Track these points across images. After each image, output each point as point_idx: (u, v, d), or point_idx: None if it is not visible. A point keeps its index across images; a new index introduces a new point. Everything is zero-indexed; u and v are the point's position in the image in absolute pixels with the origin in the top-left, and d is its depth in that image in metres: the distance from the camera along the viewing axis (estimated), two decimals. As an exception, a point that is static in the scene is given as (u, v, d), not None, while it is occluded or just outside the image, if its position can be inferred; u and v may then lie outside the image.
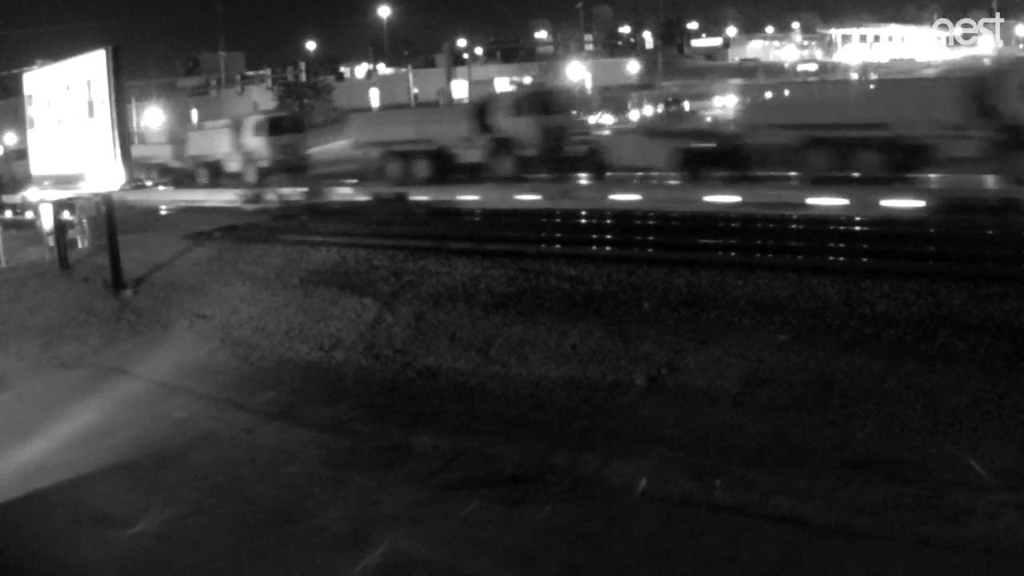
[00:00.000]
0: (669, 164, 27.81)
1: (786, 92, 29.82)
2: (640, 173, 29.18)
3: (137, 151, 40.60)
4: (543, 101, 32.52)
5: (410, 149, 32.57)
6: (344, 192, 31.17)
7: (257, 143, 37.02)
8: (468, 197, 28.03)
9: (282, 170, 35.33)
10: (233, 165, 37.62)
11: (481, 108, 32.24)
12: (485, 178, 30.78)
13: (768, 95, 29.70)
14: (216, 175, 38.14)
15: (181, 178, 39.89)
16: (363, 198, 29.54)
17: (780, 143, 25.34)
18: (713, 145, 27.90)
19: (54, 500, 11.24)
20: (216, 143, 38.56)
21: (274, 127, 37.78)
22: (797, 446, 11.07)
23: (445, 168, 31.87)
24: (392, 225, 24.78)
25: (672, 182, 27.49)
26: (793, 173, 25.68)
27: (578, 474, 10.87)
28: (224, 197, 33.13)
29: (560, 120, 31.98)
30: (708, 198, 23.93)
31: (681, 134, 30.68)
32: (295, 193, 30.20)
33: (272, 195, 30.70)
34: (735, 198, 23.43)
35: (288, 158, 36.61)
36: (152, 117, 63.20)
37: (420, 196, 28.13)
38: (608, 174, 29.35)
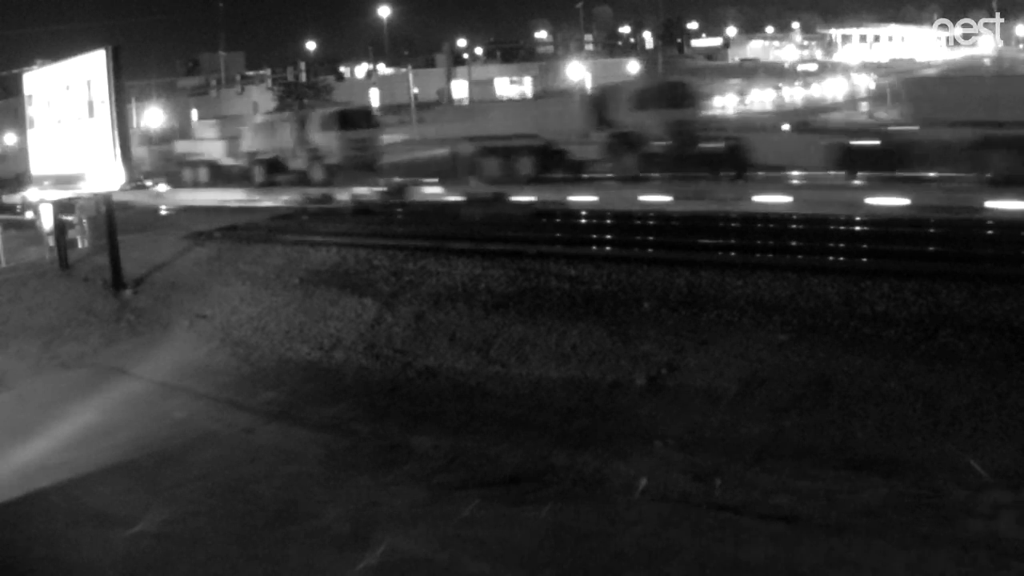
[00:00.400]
0: (824, 163, 25.14)
1: (967, 86, 27.20)
2: (796, 172, 26.40)
3: (182, 147, 39.57)
4: (672, 93, 29.32)
5: (510, 145, 29.33)
6: (430, 192, 28.73)
7: (326, 138, 33.61)
8: (582, 198, 25.32)
9: (353, 168, 32.70)
10: (297, 162, 34.38)
11: (599, 100, 29.22)
12: (597, 177, 28.17)
13: (945, 89, 27.04)
14: (273, 173, 34.98)
15: (226, 176, 36.53)
16: (453, 198, 27.36)
17: (954, 140, 22.65)
18: (876, 142, 25.11)
19: (54, 500, 11.24)
20: (276, 138, 35.26)
21: (345, 121, 34.46)
22: (797, 446, 11.06)
23: (550, 166, 29.08)
24: (393, 225, 24.81)
25: (827, 182, 24.73)
26: (965, 174, 22.85)
27: (578, 474, 10.86)
28: (282, 197, 31.02)
29: (690, 114, 28.73)
30: (872, 200, 21.43)
31: (837, 131, 28.21)
32: (371, 193, 28.32)
33: (344, 195, 28.61)
34: (902, 200, 20.92)
35: (360, 155, 33.62)
36: (152, 116, 63.16)
37: (522, 196, 25.79)
38: (752, 173, 26.37)
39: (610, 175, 27.83)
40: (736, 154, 26.47)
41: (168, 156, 39.48)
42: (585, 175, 28.47)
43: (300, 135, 34.28)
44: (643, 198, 24.43)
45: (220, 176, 36.68)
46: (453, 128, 33.31)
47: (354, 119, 35.32)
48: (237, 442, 12.89)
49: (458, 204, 26.76)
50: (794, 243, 19.10)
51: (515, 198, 25.75)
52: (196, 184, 36.65)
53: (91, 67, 20.43)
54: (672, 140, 27.07)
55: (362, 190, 28.81)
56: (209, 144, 38.65)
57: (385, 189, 28.53)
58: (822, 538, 9.00)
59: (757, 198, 22.66)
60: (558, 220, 24.05)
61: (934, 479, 9.89)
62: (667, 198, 23.99)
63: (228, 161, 36.94)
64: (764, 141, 28.56)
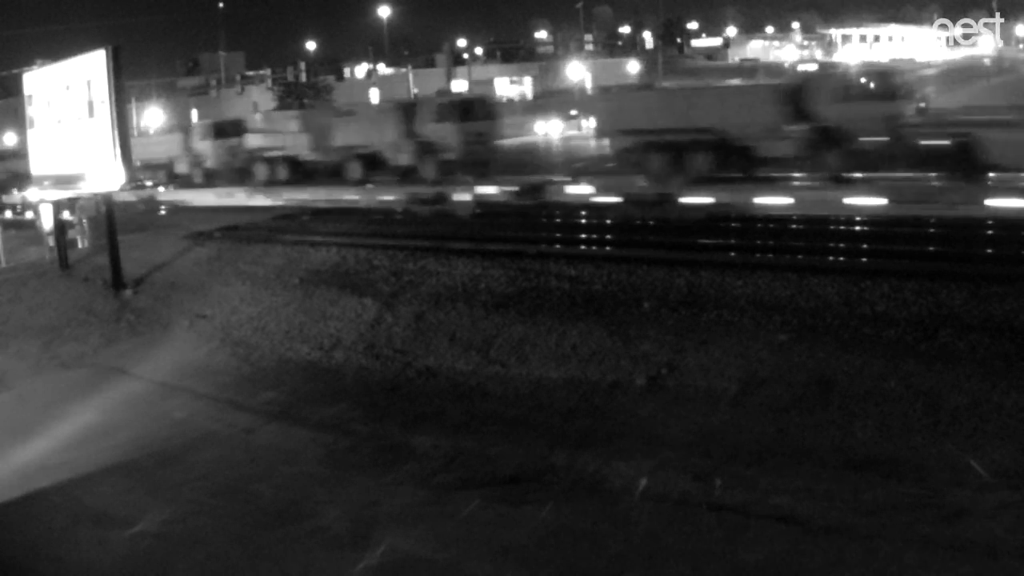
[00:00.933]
0: None
1: None
2: None
3: (253, 140, 34.91)
4: (883, 84, 25.54)
5: (680, 139, 25.65)
6: (576, 191, 24.86)
7: (440, 130, 29.60)
8: (771, 200, 21.74)
9: (472, 164, 28.78)
10: (402, 157, 30.20)
11: (796, 92, 25.37)
12: (784, 176, 24.63)
13: None
14: (372, 169, 30.89)
15: (309, 173, 32.59)
16: (605, 199, 23.92)
17: None
18: None
19: (54, 500, 11.24)
20: (377, 130, 31.22)
21: (464, 112, 30.42)
22: (797, 446, 11.06)
23: (728, 164, 25.31)
24: (393, 225, 24.77)
25: None
26: None
27: (578, 474, 10.87)
28: (384, 196, 28.10)
29: (902, 107, 25.18)
30: None
31: None
32: (501, 192, 25.02)
33: (462, 194, 25.37)
34: None
35: (479, 149, 29.54)
36: (152, 116, 63.18)
37: (695, 198, 22.60)
38: (984, 175, 22.50)
39: (798, 174, 24.38)
40: (966, 152, 22.91)
41: (235, 151, 35.43)
42: (770, 175, 24.69)
43: (407, 127, 30.29)
44: (850, 201, 21.07)
45: (301, 173, 32.89)
46: (613, 119, 28.61)
47: (473, 110, 31.13)
48: (237, 442, 12.89)
49: (614, 206, 23.53)
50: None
51: (685, 199, 22.58)
52: (273, 182, 32.57)
53: (91, 67, 20.43)
54: (887, 136, 23.58)
55: (488, 189, 25.42)
56: (289, 137, 33.92)
57: (517, 188, 24.87)
58: (822, 538, 9.00)
59: (992, 202, 19.44)
60: (735, 225, 20.96)
61: (934, 479, 9.89)
62: (880, 201, 20.64)
63: (312, 156, 32.85)
64: (1003, 138, 24.45)
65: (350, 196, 29.09)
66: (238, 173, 34.56)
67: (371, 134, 31.15)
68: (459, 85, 77.00)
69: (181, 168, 36.75)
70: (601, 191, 24.37)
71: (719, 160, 25.05)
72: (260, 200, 30.33)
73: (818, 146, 23.78)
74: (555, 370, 14.07)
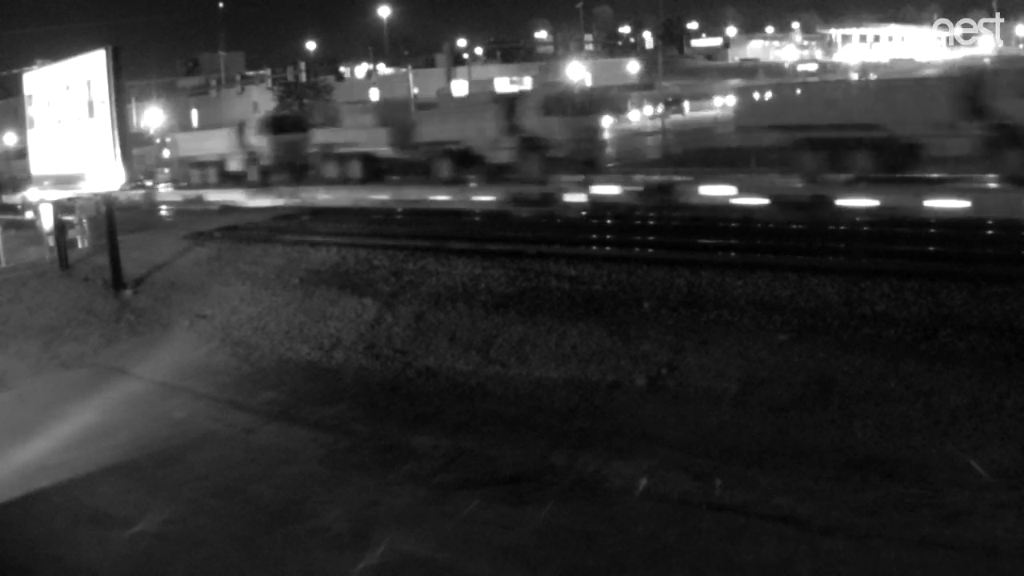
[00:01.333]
0: None
1: None
2: None
3: (322, 136, 32.71)
4: None
5: (839, 136, 23.43)
6: (713, 192, 22.47)
7: (547, 124, 27.08)
8: (945, 203, 19.45)
9: (579, 161, 26.70)
10: (500, 154, 27.77)
11: (973, 86, 22.77)
12: (951, 176, 22.54)
13: None
14: (463, 166, 28.62)
15: (385, 170, 30.50)
16: (746, 200, 21.47)
17: None
18: None
19: (54, 500, 11.24)
20: (471, 125, 28.71)
21: (574, 104, 28.14)
22: (797, 446, 11.06)
23: (893, 164, 22.99)
24: (392, 225, 24.74)
25: None
26: None
27: (578, 474, 10.86)
28: (481, 196, 25.99)
29: None
30: None
31: None
32: (623, 193, 23.06)
33: (577, 195, 23.41)
34: None
35: (588, 146, 27.63)
36: (152, 116, 63.08)
37: (855, 200, 20.60)
38: None
39: (971, 175, 22.42)
40: None
41: (296, 147, 33.26)
42: (939, 176, 22.88)
43: (508, 121, 27.68)
44: None
45: (375, 170, 30.78)
46: (759, 113, 26.38)
47: (584, 101, 29.08)
48: (237, 442, 12.89)
49: (759, 209, 21.21)
50: None
51: (843, 202, 20.61)
52: (347, 180, 30.48)
53: (91, 67, 20.44)
54: None
55: (607, 189, 23.30)
56: (365, 132, 31.44)
57: (642, 188, 22.68)
58: (822, 538, 9.00)
59: None
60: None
61: (934, 479, 9.89)
62: None
63: (391, 153, 30.51)
64: None
65: (439, 196, 26.69)
66: (298, 171, 32.90)
67: (464, 128, 28.64)
68: (459, 85, 76.99)
69: (234, 166, 34.57)
70: (744, 192, 21.88)
71: (883, 159, 22.86)
72: (328, 199, 28.33)
73: (997, 145, 21.41)
74: (555, 370, 14.08)
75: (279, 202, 29.33)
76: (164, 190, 37.54)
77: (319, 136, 32.98)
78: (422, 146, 29.34)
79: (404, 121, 31.33)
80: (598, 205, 22.65)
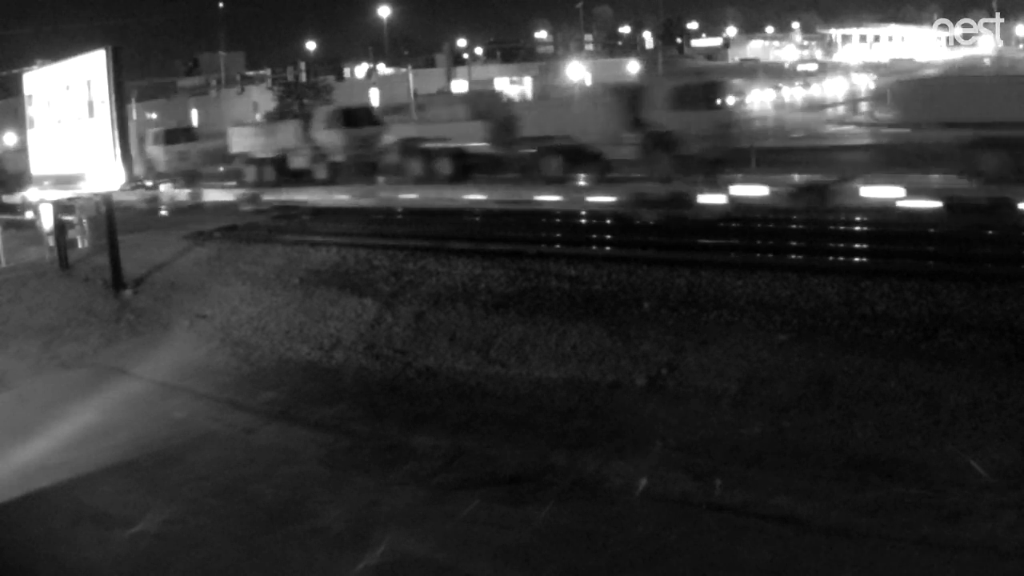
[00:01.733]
0: None
1: None
2: None
3: (404, 130, 30.11)
4: None
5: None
6: (879, 194, 19.15)
7: (681, 119, 24.03)
8: None
9: (714, 159, 23.84)
10: (623, 151, 25.16)
11: None
12: None
13: None
14: (575, 164, 25.86)
15: (474, 167, 27.75)
16: (914, 203, 18.49)
17: None
18: None
19: (54, 500, 11.24)
20: (585, 119, 25.97)
21: (708, 96, 24.96)
22: (797, 446, 11.07)
23: None
24: (392, 225, 24.71)
25: None
26: None
27: (578, 474, 10.86)
28: (595, 198, 23.54)
29: None
30: None
31: None
32: (773, 194, 20.06)
33: (715, 196, 20.55)
34: None
35: (722, 143, 24.40)
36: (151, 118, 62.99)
37: None
38: None
39: None
40: None
41: (370, 142, 30.77)
42: None
43: (632, 115, 25.00)
44: None
45: (466, 167, 27.90)
46: (919, 108, 22.96)
47: (717, 93, 25.78)
48: (237, 442, 12.90)
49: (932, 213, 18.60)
50: None
51: None
52: (433, 178, 27.77)
53: (91, 67, 20.43)
54: None
55: (753, 189, 20.60)
56: (456, 126, 28.61)
57: (794, 188, 20.02)
58: (822, 538, 9.00)
59: None
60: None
61: (934, 479, 9.89)
62: None
63: (488, 149, 27.55)
64: None
65: (546, 197, 24.10)
66: (369, 168, 30.45)
67: (577, 123, 25.91)
68: (459, 85, 76.99)
69: (298, 163, 31.37)
70: (912, 194, 19.16)
71: None
72: (413, 200, 26.12)
73: None
74: (555, 370, 14.08)
75: (360, 202, 27.09)
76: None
77: (401, 130, 30.38)
78: (527, 142, 26.44)
79: (503, 114, 28.34)
80: (740, 207, 20.06)
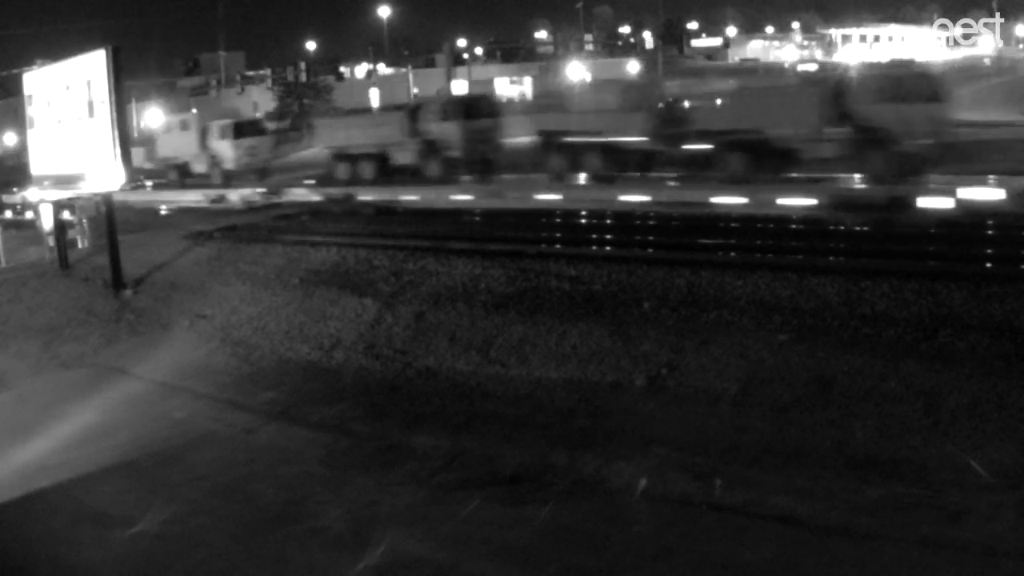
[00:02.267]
0: None
1: None
2: None
3: (544, 122, 27.54)
4: None
5: None
6: None
7: (888, 113, 22.26)
8: None
9: (929, 158, 21.85)
10: (824, 148, 23.36)
11: None
12: None
13: None
14: (761, 161, 23.48)
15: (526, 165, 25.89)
16: None
17: None
18: None
19: (54, 500, 11.24)
20: (776, 112, 23.56)
21: (920, 89, 22.61)
22: (797, 446, 11.06)
23: None
24: (392, 225, 24.69)
25: None
26: None
27: (578, 474, 10.86)
28: (784, 200, 21.45)
29: None
30: None
31: None
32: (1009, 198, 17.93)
33: (940, 199, 18.57)
34: None
35: (938, 139, 22.22)
36: (152, 116, 62.93)
37: None
38: None
39: None
40: None
41: (488, 136, 28.46)
42: None
43: (834, 109, 22.94)
44: None
45: (615, 164, 25.70)
46: None
47: (932, 85, 23.30)
48: (237, 442, 12.89)
49: None
50: None
51: None
52: (566, 175, 25.68)
53: (91, 67, 20.43)
54: None
55: (981, 192, 18.19)
56: (609, 118, 26.28)
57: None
58: (822, 538, 9.00)
59: None
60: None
61: (934, 479, 9.89)
62: None
63: (648, 143, 25.45)
64: None
65: (726, 199, 21.66)
66: (486, 164, 28.04)
67: (765, 117, 23.62)
68: (459, 85, 77.00)
69: (403, 158, 29.14)
70: None
71: None
72: (553, 200, 23.49)
73: None
74: (555, 370, 14.07)
75: (487, 203, 24.27)
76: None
77: (543, 122, 27.77)
78: (698, 136, 24.21)
79: (667, 105, 26.28)
80: (970, 212, 18.03)
